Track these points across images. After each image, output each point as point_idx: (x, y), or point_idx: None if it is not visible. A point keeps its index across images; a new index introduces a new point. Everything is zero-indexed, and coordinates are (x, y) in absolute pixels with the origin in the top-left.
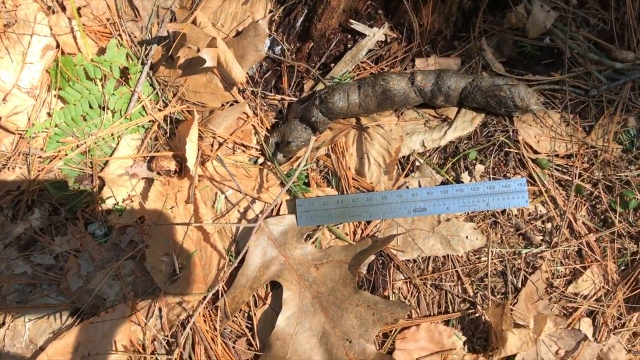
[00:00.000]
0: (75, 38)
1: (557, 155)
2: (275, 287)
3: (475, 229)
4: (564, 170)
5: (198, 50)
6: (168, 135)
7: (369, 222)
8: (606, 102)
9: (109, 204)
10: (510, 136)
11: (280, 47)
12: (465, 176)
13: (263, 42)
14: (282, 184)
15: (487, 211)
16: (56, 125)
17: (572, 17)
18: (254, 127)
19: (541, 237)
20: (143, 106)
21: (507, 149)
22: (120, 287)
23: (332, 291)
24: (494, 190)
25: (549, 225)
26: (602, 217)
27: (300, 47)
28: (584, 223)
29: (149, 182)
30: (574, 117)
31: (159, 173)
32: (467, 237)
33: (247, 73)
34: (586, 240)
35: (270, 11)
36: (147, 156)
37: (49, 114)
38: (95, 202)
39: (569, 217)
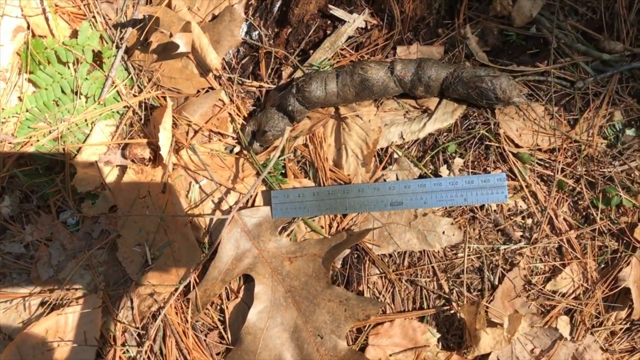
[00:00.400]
0: (47, 20)
1: (539, 150)
2: (248, 280)
3: (452, 224)
4: (546, 165)
5: (171, 35)
6: (143, 121)
7: (345, 215)
8: (592, 94)
9: (82, 190)
10: (492, 129)
11: (257, 32)
12: (443, 170)
13: (239, 27)
14: (258, 174)
15: (466, 206)
16: (27, 110)
17: (560, 6)
18: (230, 115)
19: (521, 233)
20: (117, 91)
21: (487, 142)
22: (92, 277)
23: (305, 285)
24: (473, 185)
25: (529, 221)
26: (583, 213)
27: (278, 33)
28: (565, 219)
29: (123, 170)
30: (559, 110)
31: (133, 161)
32: (443, 233)
33: (224, 59)
34: (567, 237)
35: None
36: (122, 143)
37: (20, 99)
38: (67, 190)
39: (550, 213)
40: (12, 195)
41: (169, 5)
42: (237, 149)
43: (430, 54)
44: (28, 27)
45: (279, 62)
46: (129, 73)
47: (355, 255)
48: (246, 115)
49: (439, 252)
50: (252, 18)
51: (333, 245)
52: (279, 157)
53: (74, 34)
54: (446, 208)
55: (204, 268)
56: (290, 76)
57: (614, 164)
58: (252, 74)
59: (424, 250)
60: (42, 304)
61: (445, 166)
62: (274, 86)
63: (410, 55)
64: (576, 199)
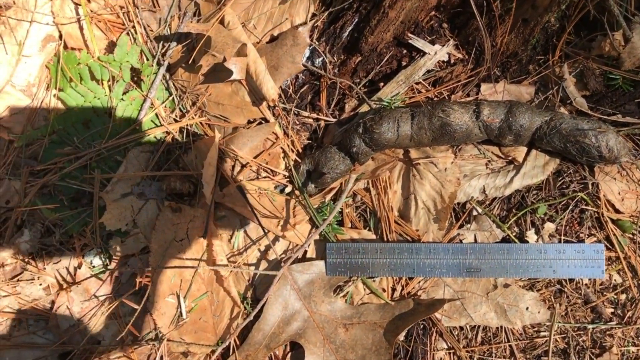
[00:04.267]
0: (81, 29)
1: None
2: (296, 347)
3: (538, 300)
4: None
5: (224, 60)
6: (184, 150)
7: (411, 278)
8: None
9: (111, 228)
10: (590, 191)
11: (321, 58)
12: (531, 234)
13: (302, 54)
14: (312, 221)
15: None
16: (54, 132)
17: None
18: (283, 150)
19: (612, 310)
20: (156, 114)
21: (583, 206)
22: (118, 328)
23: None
24: (565, 255)
25: (622, 297)
26: None
27: (345, 61)
28: None
29: (159, 204)
30: None
31: (169, 196)
32: (527, 309)
33: (280, 86)
34: None
35: (313, 15)
36: (158, 175)
37: (47, 118)
38: (95, 226)
39: None
40: (32, 229)
41: (221, 21)
42: (288, 188)
43: (519, 94)
44: (60, 37)
45: (342, 92)
46: (170, 94)
47: (421, 326)
48: (300, 151)
49: (518, 329)
50: (316, 43)
51: (397, 314)
52: (343, 201)
53: (111, 47)
54: (530, 279)
55: (246, 328)
56: (354, 110)
57: None
58: (310, 104)
59: (501, 326)
60: (60, 356)
61: (533, 230)
62: (334, 120)
63: (496, 94)
64: None
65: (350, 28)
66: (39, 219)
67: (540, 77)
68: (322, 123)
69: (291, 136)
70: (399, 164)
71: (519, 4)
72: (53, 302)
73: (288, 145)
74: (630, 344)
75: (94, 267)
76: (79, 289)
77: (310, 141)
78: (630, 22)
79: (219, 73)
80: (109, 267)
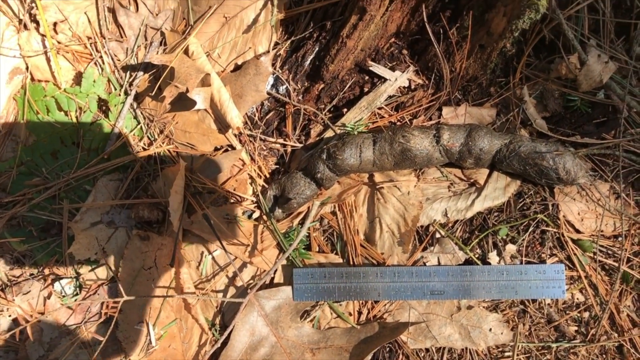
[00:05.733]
0: (48, 61)
1: (602, 236)
2: None
3: (500, 321)
4: (610, 253)
5: (187, 91)
6: (152, 177)
7: (377, 301)
8: None
9: (80, 258)
10: (550, 212)
11: (285, 86)
12: (493, 256)
13: (265, 82)
14: (279, 246)
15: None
16: (22, 164)
17: (634, 69)
18: (251, 176)
19: (576, 329)
20: (125, 143)
21: (544, 227)
22: (88, 357)
23: None
24: (526, 277)
25: (586, 315)
26: None
27: (309, 88)
28: (628, 316)
29: (128, 232)
30: (626, 188)
31: (138, 223)
32: (490, 330)
33: (246, 113)
34: (629, 336)
35: (276, 44)
36: (127, 203)
37: (15, 150)
38: (64, 257)
39: (611, 308)
40: (1, 260)
41: (185, 51)
42: (256, 214)
43: (481, 117)
44: (27, 69)
45: (307, 118)
46: (139, 122)
47: (387, 349)
48: (268, 176)
49: (482, 350)
50: (279, 71)
51: (362, 338)
52: (307, 227)
53: (78, 77)
54: (494, 300)
55: (215, 355)
56: (319, 135)
57: None
58: (276, 130)
59: (466, 347)
60: None
61: (495, 252)
62: (300, 145)
63: (457, 117)
64: None
65: (311, 57)
66: (7, 250)
67: (501, 99)
68: (289, 148)
69: (258, 162)
70: (364, 187)
71: (475, 31)
72: (22, 333)
73: (255, 171)
74: None
75: (64, 296)
76: (49, 319)
77: (278, 166)
78: (586, 45)
79: (185, 102)
80: (78, 297)
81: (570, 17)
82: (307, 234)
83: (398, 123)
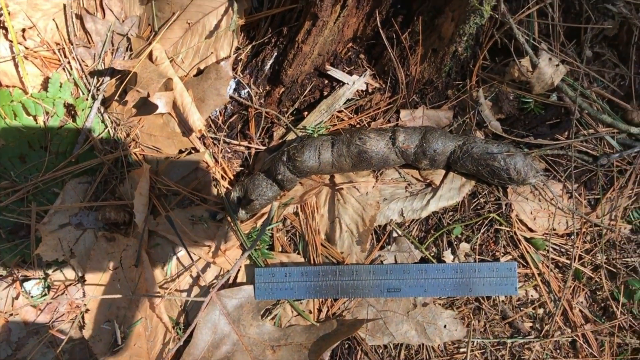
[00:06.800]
0: (16, 66)
1: (555, 234)
2: None
3: (455, 317)
4: (562, 251)
5: (148, 96)
6: (119, 180)
7: (336, 299)
8: (617, 172)
9: (48, 259)
10: (503, 212)
11: (246, 90)
12: (447, 254)
13: (226, 86)
14: (242, 246)
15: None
16: None
17: (585, 72)
18: (214, 178)
19: (530, 324)
20: (92, 146)
21: (497, 226)
22: (55, 356)
23: None
24: (480, 274)
25: (540, 312)
26: (602, 306)
27: (270, 92)
28: (580, 311)
29: (96, 234)
30: (579, 188)
31: (106, 225)
32: (445, 327)
33: (209, 117)
34: (582, 331)
35: (237, 49)
36: (95, 205)
37: None
38: (32, 258)
39: (564, 304)
40: None
41: (150, 56)
42: (220, 215)
43: (438, 119)
44: None
45: (270, 121)
46: (106, 126)
47: (346, 345)
48: (232, 178)
49: (439, 346)
50: (240, 75)
51: (321, 335)
52: (266, 228)
53: (46, 83)
54: (449, 296)
55: (179, 352)
56: (282, 137)
57: (638, 252)
58: (240, 133)
59: (423, 344)
60: None
61: (449, 250)
62: (264, 147)
63: (415, 120)
64: (594, 289)
65: (271, 61)
66: None
67: (458, 102)
68: (253, 151)
69: (222, 164)
70: (325, 188)
71: (426, 35)
72: None
73: (219, 173)
74: (548, 357)
75: (32, 297)
76: (17, 319)
77: (242, 168)
78: (537, 49)
79: (150, 106)
80: (46, 297)
81: (522, 22)
82: (271, 235)
83: (358, 126)
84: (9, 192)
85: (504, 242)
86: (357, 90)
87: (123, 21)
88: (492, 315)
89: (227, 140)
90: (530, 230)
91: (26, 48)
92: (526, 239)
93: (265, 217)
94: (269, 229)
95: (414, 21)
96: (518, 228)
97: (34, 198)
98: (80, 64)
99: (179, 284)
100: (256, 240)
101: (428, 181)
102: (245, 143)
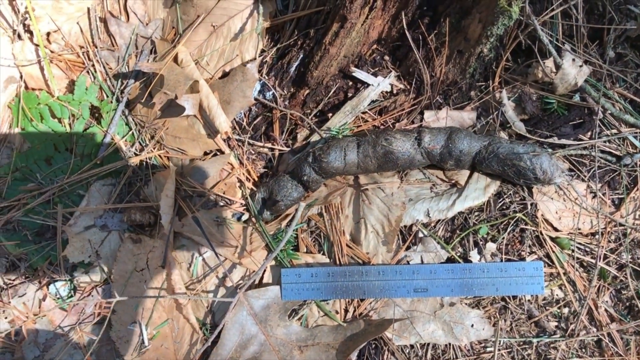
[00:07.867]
0: (42, 69)
1: (580, 233)
2: None
3: (482, 317)
4: (587, 250)
5: (176, 97)
6: (144, 182)
7: (362, 299)
8: None
9: (74, 260)
10: (528, 211)
11: (271, 92)
12: (474, 254)
13: (252, 88)
14: (268, 247)
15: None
16: (17, 170)
17: (608, 73)
18: (239, 180)
19: (556, 324)
20: (117, 149)
21: (523, 226)
22: (82, 357)
23: None
24: (506, 274)
25: (565, 311)
26: (627, 305)
27: (295, 93)
28: (606, 311)
29: (121, 236)
30: (602, 188)
31: (131, 227)
32: (472, 326)
33: (234, 119)
34: (607, 330)
35: (262, 51)
36: (120, 207)
37: (10, 156)
38: (59, 260)
39: (589, 304)
40: None
41: (175, 59)
42: (245, 216)
43: (461, 120)
44: (21, 78)
45: (294, 122)
46: (130, 128)
47: (373, 345)
48: (256, 179)
49: (465, 345)
50: (266, 77)
51: (349, 335)
52: (294, 228)
53: (71, 86)
54: (475, 296)
55: (206, 354)
56: (306, 139)
57: None
58: (264, 135)
59: (450, 343)
60: None
61: (475, 250)
62: (288, 149)
63: (439, 121)
64: (619, 288)
65: (296, 63)
66: (3, 253)
67: (481, 103)
68: (277, 152)
69: (246, 166)
70: (350, 189)
71: (452, 37)
72: (18, 334)
73: (244, 174)
74: (574, 356)
75: (58, 298)
76: (44, 320)
77: (266, 170)
78: (561, 50)
79: (175, 108)
80: (72, 298)
81: (546, 23)
82: (295, 235)
83: (382, 127)
84: (35, 194)
85: (529, 242)
86: (382, 92)
87: (147, 24)
88: (518, 314)
89: (252, 142)
90: (556, 229)
91: (51, 51)
92: (551, 239)
93: (290, 217)
94: (293, 230)
95: (441, 23)
96: (544, 228)
97: (59, 200)
98: (104, 67)
99: (205, 284)
100: (284, 241)
101: (453, 181)
102: (269, 145)
